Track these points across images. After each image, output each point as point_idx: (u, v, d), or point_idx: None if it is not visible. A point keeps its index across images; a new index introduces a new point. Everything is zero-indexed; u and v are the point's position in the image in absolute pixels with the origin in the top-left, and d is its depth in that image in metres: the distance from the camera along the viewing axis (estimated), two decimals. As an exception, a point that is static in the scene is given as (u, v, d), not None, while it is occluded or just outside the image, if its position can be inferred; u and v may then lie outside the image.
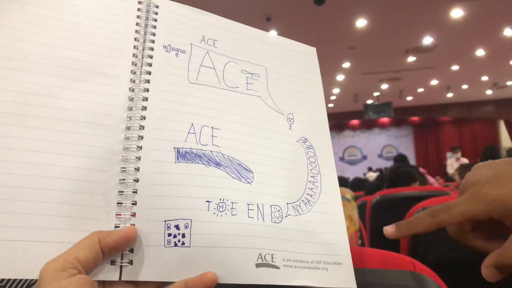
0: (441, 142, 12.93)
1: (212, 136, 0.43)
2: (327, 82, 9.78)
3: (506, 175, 0.36)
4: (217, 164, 0.42)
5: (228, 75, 0.47)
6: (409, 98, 11.59)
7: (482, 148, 6.67)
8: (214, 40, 0.48)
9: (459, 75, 9.37)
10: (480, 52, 7.71)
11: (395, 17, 5.85)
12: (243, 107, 0.47)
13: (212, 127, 0.43)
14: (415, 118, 13.25)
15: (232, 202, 0.41)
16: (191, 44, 0.46)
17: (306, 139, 0.49)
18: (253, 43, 0.51)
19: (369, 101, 11.47)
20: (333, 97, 10.86)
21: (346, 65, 8.26)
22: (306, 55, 0.56)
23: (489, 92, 11.06)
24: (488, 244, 0.39)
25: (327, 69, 8.45)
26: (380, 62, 8.13)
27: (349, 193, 1.42)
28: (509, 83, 10.26)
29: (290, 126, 0.49)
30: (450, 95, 11.18)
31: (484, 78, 9.77)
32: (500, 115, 11.99)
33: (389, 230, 0.41)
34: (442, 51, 7.51)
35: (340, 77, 9.23)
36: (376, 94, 11.07)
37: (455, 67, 8.78)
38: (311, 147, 0.49)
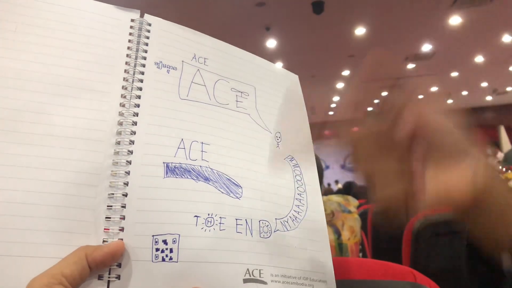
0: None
1: (202, 151, 0.43)
2: (328, 90, 9.82)
3: None
4: (206, 179, 0.42)
5: (219, 92, 0.48)
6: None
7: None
8: (205, 58, 0.49)
9: (458, 81, 9.38)
10: (479, 59, 7.74)
11: (394, 25, 5.89)
12: (233, 123, 0.47)
13: (202, 142, 0.44)
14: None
15: (220, 217, 0.41)
16: (183, 61, 0.47)
17: (292, 157, 0.50)
18: (243, 63, 0.52)
19: (370, 109, 11.47)
20: (333, 105, 10.89)
21: (346, 73, 8.29)
22: (290, 81, 0.57)
23: (489, 98, 11.07)
24: None
25: (327, 77, 8.48)
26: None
27: (353, 203, 1.43)
28: (508, 89, 10.27)
29: (278, 144, 0.50)
30: (450, 101, 11.20)
31: (484, 84, 9.78)
32: (501, 121, 11.98)
33: None
34: (441, 58, 7.54)
35: (340, 85, 9.26)
36: (376, 101, 11.07)
37: (454, 74, 8.80)
38: (297, 165, 0.50)
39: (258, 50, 6.43)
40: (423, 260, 1.58)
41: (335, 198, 1.45)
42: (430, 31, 6.24)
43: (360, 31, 6.06)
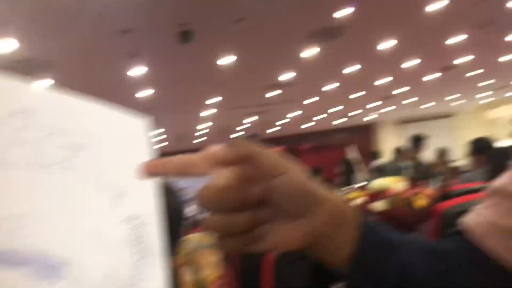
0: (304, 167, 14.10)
1: (12, 227, 0.33)
2: (197, 118, 9.91)
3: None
4: (14, 264, 0.32)
5: (45, 150, 0.38)
6: (275, 129, 12.42)
7: (368, 159, 7.29)
8: (32, 112, 0.38)
9: (316, 106, 10.41)
10: (332, 86, 8.72)
11: (258, 55, 6.28)
12: (56, 188, 0.37)
13: (18, 216, 0.34)
14: (281, 148, 14.20)
15: None
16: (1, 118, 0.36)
17: (134, 216, 0.42)
18: (79, 114, 0.42)
19: (238, 134, 11.94)
20: (202, 132, 11.01)
21: (215, 100, 8.48)
22: (137, 126, 0.49)
23: (342, 120, 12.54)
24: None
25: (196, 104, 8.56)
26: (247, 96, 8.57)
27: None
28: (355, 113, 11.80)
29: (116, 203, 0.41)
30: (310, 124, 12.35)
31: (338, 108, 11.05)
32: (353, 140, 13.68)
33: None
34: (300, 86, 8.28)
35: (209, 112, 9.43)
36: (244, 127, 11.58)
37: (313, 100, 9.74)
38: (140, 224, 0.42)
39: (126, 77, 6.14)
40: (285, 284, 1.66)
41: (197, 236, 1.43)
42: (290, 61, 6.83)
43: (227, 60, 6.29)
